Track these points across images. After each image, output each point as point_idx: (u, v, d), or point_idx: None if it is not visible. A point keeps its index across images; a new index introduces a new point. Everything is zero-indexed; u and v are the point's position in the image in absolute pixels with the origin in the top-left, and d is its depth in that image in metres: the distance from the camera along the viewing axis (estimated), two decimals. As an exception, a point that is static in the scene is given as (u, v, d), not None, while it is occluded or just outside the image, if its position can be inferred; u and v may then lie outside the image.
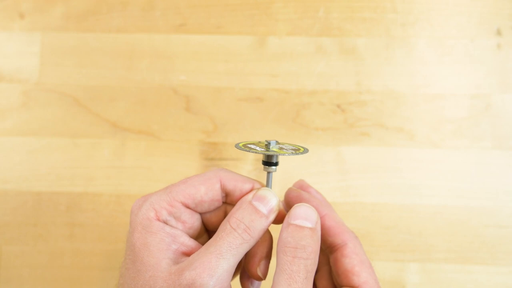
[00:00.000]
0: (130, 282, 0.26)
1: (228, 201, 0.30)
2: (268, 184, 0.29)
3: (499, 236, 0.46)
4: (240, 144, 0.29)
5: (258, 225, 0.27)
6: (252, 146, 0.29)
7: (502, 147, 0.47)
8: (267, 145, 0.29)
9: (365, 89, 0.48)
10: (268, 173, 0.29)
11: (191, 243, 0.28)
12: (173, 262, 0.26)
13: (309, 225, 0.27)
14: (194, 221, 0.29)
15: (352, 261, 0.28)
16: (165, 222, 0.27)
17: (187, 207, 0.28)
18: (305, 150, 0.29)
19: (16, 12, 0.51)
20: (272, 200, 0.28)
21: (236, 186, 0.29)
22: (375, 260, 0.46)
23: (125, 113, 0.49)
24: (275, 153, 0.28)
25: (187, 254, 0.27)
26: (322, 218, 0.29)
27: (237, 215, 0.27)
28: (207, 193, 0.28)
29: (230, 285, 0.26)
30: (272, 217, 0.28)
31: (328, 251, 0.29)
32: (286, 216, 0.28)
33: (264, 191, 0.28)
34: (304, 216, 0.27)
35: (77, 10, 0.50)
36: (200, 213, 0.30)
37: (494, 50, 0.48)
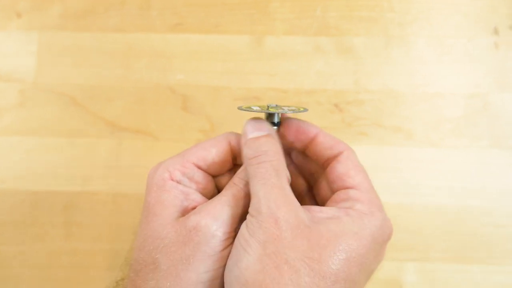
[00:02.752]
0: (140, 234, 0.28)
1: (239, 163, 0.31)
2: None
3: (497, 235, 0.46)
4: (243, 107, 0.30)
5: None
6: (254, 107, 0.30)
7: (501, 146, 0.47)
8: (267, 107, 0.30)
9: (363, 88, 0.48)
10: None
11: (203, 200, 0.29)
12: (183, 215, 0.28)
13: (262, 133, 0.28)
14: (207, 182, 0.30)
15: (346, 166, 0.29)
16: (179, 182, 0.29)
17: (200, 168, 0.29)
18: (305, 109, 0.30)
19: (13, 11, 0.51)
20: None
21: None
22: (373, 260, 0.46)
23: (123, 113, 0.49)
24: (275, 111, 0.29)
25: None
26: (316, 135, 0.30)
27: (240, 174, 0.29)
28: (218, 154, 0.30)
29: (234, 228, 0.27)
30: None
31: (326, 165, 0.30)
32: (241, 137, 0.29)
33: None
34: (255, 128, 0.29)
35: (75, 9, 0.50)
36: (213, 176, 0.31)
37: (492, 50, 0.48)
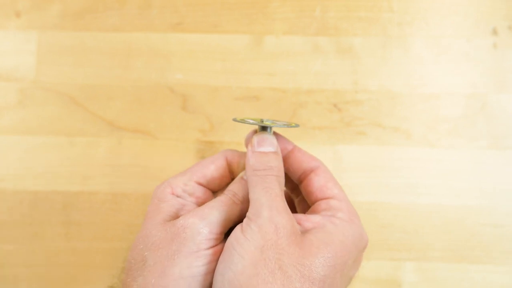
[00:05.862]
0: (136, 238, 0.29)
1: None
2: None
3: (495, 235, 0.46)
4: (238, 118, 0.32)
5: (245, 193, 0.30)
6: (248, 120, 0.32)
7: (498, 146, 0.47)
8: (262, 121, 0.32)
9: (362, 88, 0.48)
10: None
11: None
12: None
13: (272, 149, 0.30)
14: (207, 197, 0.32)
15: (325, 178, 0.31)
16: (179, 196, 0.30)
17: (200, 184, 0.31)
18: (296, 125, 0.32)
19: (12, 11, 0.51)
20: None
21: (239, 162, 0.32)
22: (371, 259, 0.47)
23: (122, 112, 0.49)
24: (268, 125, 0.31)
25: None
26: (291, 150, 0.32)
27: (231, 186, 0.31)
28: (217, 169, 0.32)
29: (222, 238, 0.28)
30: None
31: (302, 178, 0.32)
32: (249, 146, 0.30)
33: None
34: (265, 143, 0.30)
35: (74, 8, 0.50)
36: (214, 191, 0.33)
37: (490, 50, 0.48)
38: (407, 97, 0.48)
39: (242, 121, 0.31)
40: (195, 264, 0.26)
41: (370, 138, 0.48)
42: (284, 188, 0.30)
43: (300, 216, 0.29)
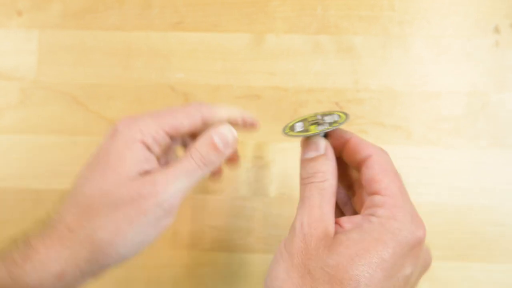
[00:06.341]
0: (93, 184, 0.29)
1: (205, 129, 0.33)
2: None
3: (496, 234, 0.46)
4: (286, 130, 0.31)
5: (213, 157, 0.31)
6: (297, 125, 0.31)
7: (499, 145, 0.47)
8: (309, 124, 0.31)
9: (363, 87, 0.48)
10: None
11: (157, 165, 0.31)
12: (140, 176, 0.30)
13: (317, 153, 0.30)
14: (167, 146, 0.32)
15: (374, 171, 0.29)
16: (149, 146, 0.30)
17: (170, 136, 0.31)
18: (347, 118, 0.30)
19: (13, 10, 0.51)
20: (229, 137, 0.31)
21: (214, 118, 0.33)
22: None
23: (123, 111, 0.49)
24: (312, 134, 0.30)
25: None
26: (348, 140, 0.31)
27: (197, 145, 0.31)
28: (190, 127, 0.32)
29: (179, 202, 0.30)
30: (227, 152, 0.31)
31: (358, 170, 0.30)
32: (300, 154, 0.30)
33: (225, 128, 0.31)
34: (310, 148, 0.30)
35: (75, 7, 0.50)
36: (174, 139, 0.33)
37: (491, 49, 0.48)
38: (407, 96, 0.48)
39: (292, 133, 0.30)
40: (149, 233, 0.29)
41: (371, 136, 0.48)
42: (332, 190, 0.29)
43: (344, 218, 0.28)
